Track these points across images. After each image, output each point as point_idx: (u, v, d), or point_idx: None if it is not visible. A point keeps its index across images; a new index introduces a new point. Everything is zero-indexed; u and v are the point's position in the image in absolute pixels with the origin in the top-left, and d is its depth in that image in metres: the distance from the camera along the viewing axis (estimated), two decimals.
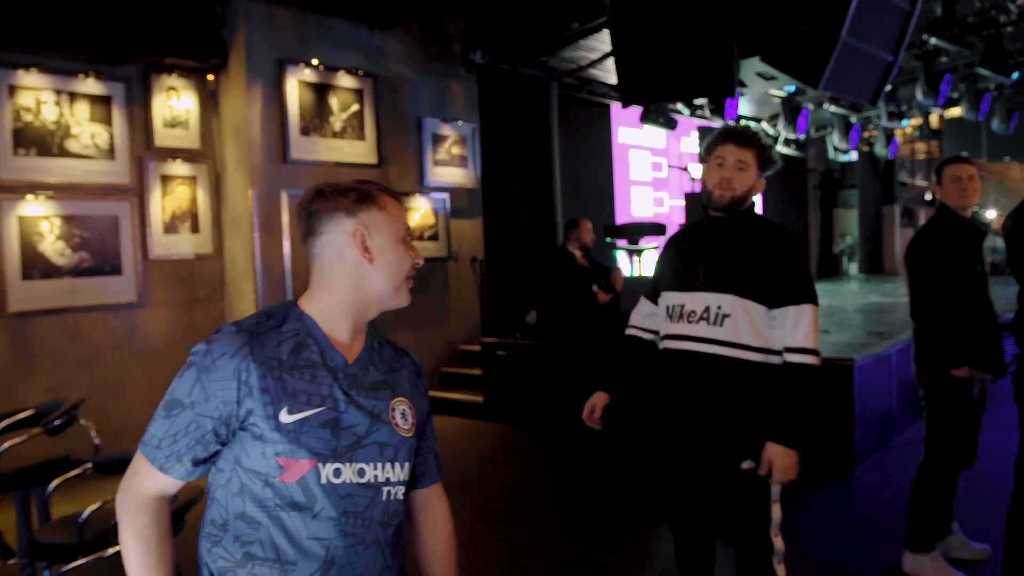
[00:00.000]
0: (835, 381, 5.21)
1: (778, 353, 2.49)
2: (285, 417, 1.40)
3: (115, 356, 6.39)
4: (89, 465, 3.14)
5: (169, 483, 1.44)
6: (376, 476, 1.48)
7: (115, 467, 3.15)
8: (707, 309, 2.49)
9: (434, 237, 8.19)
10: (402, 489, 1.53)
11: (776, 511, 2.46)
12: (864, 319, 8.32)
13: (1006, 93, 10.18)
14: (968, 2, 7.71)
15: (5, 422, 3.93)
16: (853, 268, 17.71)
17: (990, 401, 3.84)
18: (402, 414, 1.54)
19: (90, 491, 3.97)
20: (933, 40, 7.35)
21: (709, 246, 2.59)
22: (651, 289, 2.82)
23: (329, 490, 1.41)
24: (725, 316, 2.46)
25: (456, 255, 8.40)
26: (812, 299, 2.48)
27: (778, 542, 2.46)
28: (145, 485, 1.44)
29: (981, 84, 9.57)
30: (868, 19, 5.00)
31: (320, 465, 1.41)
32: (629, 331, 2.87)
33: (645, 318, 2.83)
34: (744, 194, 2.57)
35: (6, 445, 3.68)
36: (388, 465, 1.50)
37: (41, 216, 5.98)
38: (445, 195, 8.29)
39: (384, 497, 1.50)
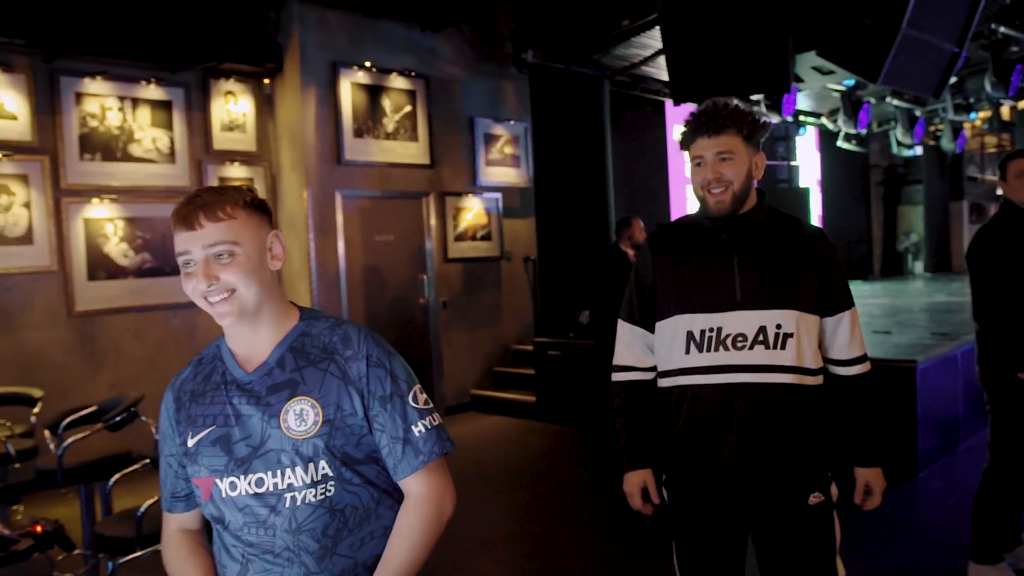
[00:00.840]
0: (897, 383, 5.06)
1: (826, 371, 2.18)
2: (189, 442, 1.51)
3: (176, 354, 6.55)
4: (147, 460, 3.23)
5: (182, 519, 1.63)
6: (276, 484, 1.44)
7: None
8: (762, 330, 2.05)
9: (487, 237, 8.21)
10: (315, 491, 1.44)
11: (839, 534, 2.18)
12: (929, 319, 8.06)
13: None
14: None
15: (70, 418, 4.07)
16: (919, 267, 17.19)
17: None
18: (297, 415, 1.46)
19: (149, 485, 4.07)
20: (1002, 29, 7.09)
21: (739, 251, 2.12)
22: (638, 312, 2.26)
23: (229, 503, 1.47)
24: (787, 336, 2.05)
25: (509, 255, 8.40)
26: (853, 300, 2.22)
27: (841, 568, 2.17)
28: (167, 527, 1.64)
29: None
30: (931, 9, 4.83)
31: (217, 481, 1.47)
32: (628, 376, 2.29)
33: (642, 353, 2.28)
34: (744, 185, 2.11)
35: (70, 440, 3.81)
36: (288, 471, 1.44)
37: (106, 218, 6.17)
38: (498, 195, 8.30)
39: (288, 505, 1.44)
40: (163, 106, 6.46)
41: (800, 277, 2.09)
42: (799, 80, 5.63)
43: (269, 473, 1.44)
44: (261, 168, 7.06)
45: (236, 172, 6.88)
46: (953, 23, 5.17)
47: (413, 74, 7.50)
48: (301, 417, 1.45)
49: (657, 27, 6.45)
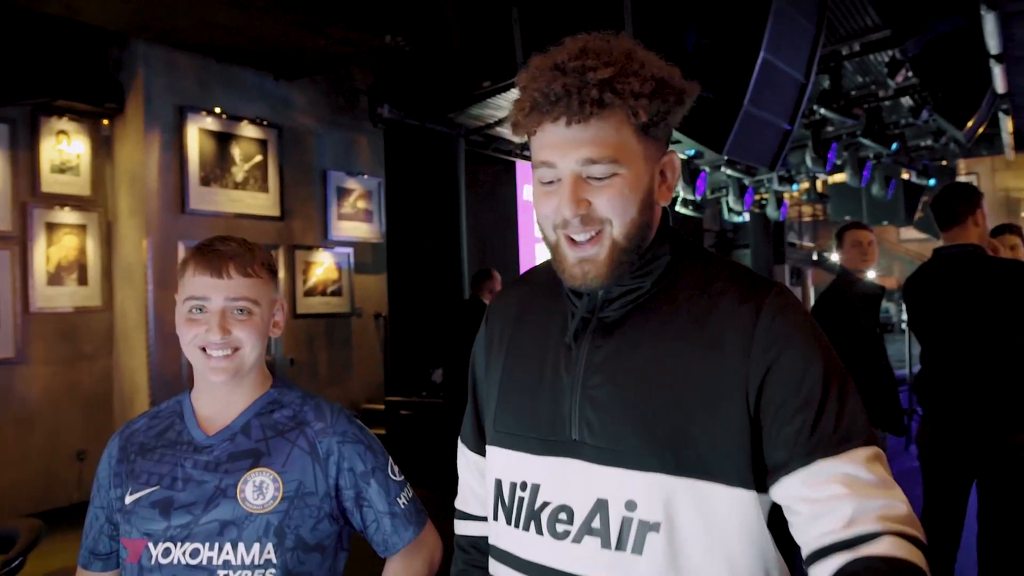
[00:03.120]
0: None
1: None
2: (127, 499, 1.40)
3: None
4: None
5: None
6: (211, 558, 1.35)
7: None
8: (601, 508, 1.06)
9: (337, 292, 8.00)
10: (252, 573, 1.34)
11: None
12: None
13: (885, 162, 10.84)
14: (852, 77, 8.22)
15: None
16: None
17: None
18: (257, 487, 1.37)
19: None
20: (822, 111, 7.78)
21: (594, 342, 1.13)
22: (472, 425, 1.36)
23: (157, 571, 1.36)
24: (647, 529, 1.04)
25: (360, 311, 8.21)
26: (866, 435, 1.04)
27: None
28: None
29: (863, 152, 10.16)
30: (768, 89, 5.25)
31: (151, 545, 1.37)
32: (465, 528, 1.41)
33: (482, 492, 1.36)
34: (638, 225, 1.09)
35: None
36: (228, 546, 1.35)
37: None
38: (349, 250, 8.13)
39: None
40: None
41: (709, 401, 1.05)
42: None
43: (207, 545, 1.34)
44: (95, 214, 6.56)
45: (67, 217, 6.36)
46: (786, 102, 5.63)
47: (265, 123, 7.28)
48: (260, 490, 1.37)
49: (512, 89, 6.61)
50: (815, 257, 19.01)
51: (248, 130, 7.14)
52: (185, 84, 6.67)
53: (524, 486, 1.13)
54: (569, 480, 1.09)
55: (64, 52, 6.12)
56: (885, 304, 17.07)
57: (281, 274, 7.41)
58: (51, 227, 6.25)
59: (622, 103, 1.03)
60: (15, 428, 6.02)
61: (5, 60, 5.78)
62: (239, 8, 5.51)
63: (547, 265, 1.23)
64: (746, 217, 13.64)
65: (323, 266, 7.87)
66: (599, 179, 1.06)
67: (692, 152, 8.34)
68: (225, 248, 1.42)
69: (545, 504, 1.11)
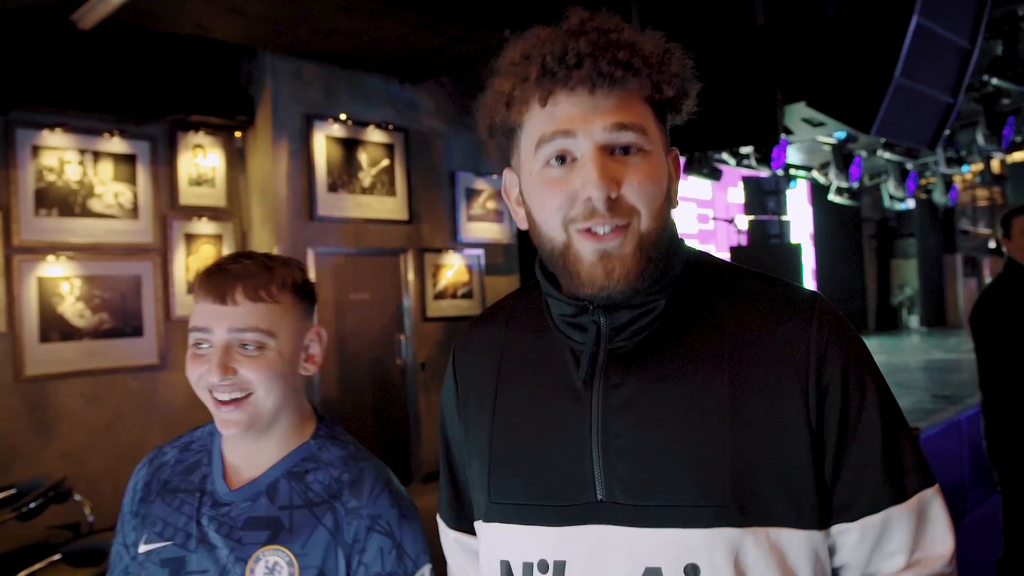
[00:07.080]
0: None
1: None
2: (142, 547, 1.20)
3: (134, 420, 6.17)
4: (56, 557, 2.85)
5: None
6: None
7: (86, 557, 2.86)
8: None
9: (468, 295, 7.90)
10: None
11: None
12: (928, 379, 7.75)
13: None
14: None
15: None
16: (914, 321, 16.94)
17: None
18: (269, 569, 1.14)
19: None
20: (994, 81, 6.93)
21: (608, 381, 0.94)
22: (450, 499, 1.13)
23: None
24: None
25: None
26: (927, 475, 0.98)
27: None
28: None
29: None
30: (923, 59, 4.64)
31: None
32: None
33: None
34: (664, 221, 0.93)
35: None
36: None
37: (61, 277, 5.85)
38: (480, 251, 8.02)
39: None
40: (127, 160, 6.19)
41: (770, 432, 0.90)
42: (789, 132, 5.41)
43: None
44: (231, 224, 6.77)
45: (204, 228, 6.59)
46: (947, 73, 4.98)
47: (391, 127, 7.28)
48: (272, 573, 1.15)
49: None
50: (992, 245, 17.28)
51: (374, 135, 7.15)
52: (311, 93, 6.76)
53: (544, 566, 0.93)
54: (604, 551, 0.90)
55: (197, 69, 6.34)
56: None
57: (410, 277, 7.39)
58: (190, 238, 6.49)
59: (648, 71, 0.91)
60: (161, 431, 6.28)
61: (144, 80, 6.05)
62: (354, 13, 5.48)
63: (516, 299, 1.09)
64: (910, 204, 12.56)
65: (453, 268, 7.80)
66: (627, 154, 0.91)
67: (843, 135, 7.67)
68: (234, 267, 1.19)
69: None
